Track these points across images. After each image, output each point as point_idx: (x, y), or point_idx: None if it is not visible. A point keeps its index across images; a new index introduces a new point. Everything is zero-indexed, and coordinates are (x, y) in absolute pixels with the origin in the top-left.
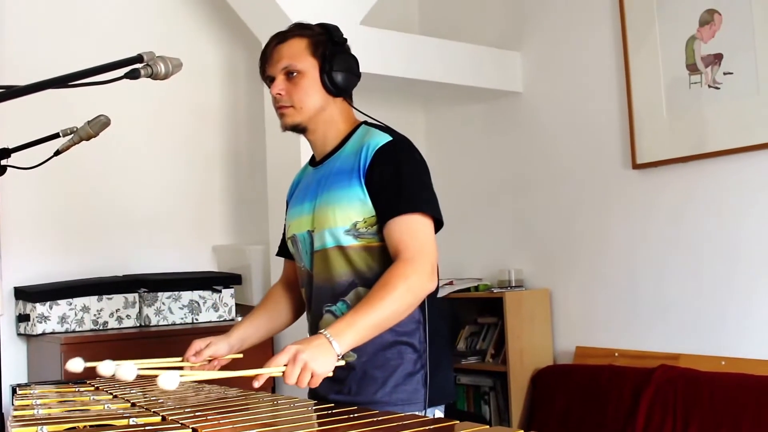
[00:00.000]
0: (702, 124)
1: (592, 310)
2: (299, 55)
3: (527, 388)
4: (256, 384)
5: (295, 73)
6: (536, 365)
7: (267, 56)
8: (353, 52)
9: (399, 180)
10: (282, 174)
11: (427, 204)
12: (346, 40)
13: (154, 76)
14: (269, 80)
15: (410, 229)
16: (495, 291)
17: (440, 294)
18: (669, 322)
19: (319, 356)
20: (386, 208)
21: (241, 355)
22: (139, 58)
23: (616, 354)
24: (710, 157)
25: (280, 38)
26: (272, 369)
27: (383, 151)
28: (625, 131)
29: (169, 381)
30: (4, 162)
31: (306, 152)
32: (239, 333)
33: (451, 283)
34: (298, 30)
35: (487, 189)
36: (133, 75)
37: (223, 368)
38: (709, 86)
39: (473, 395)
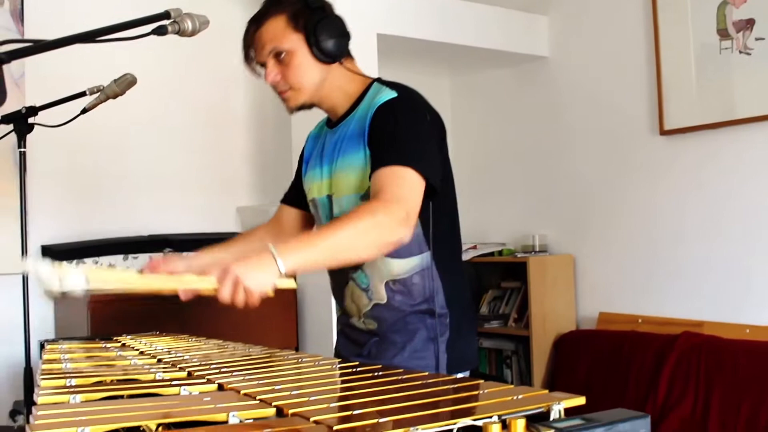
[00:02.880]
0: (731, 90)
1: (616, 276)
2: (282, 35)
3: (549, 353)
4: (182, 296)
5: (283, 54)
6: (559, 330)
7: (250, 44)
8: (372, 14)
9: (393, 133)
10: (306, 134)
11: (420, 161)
12: (323, 0)
13: (181, 32)
14: (260, 67)
15: (396, 177)
16: (519, 256)
17: (463, 258)
18: (693, 290)
19: (254, 272)
20: (376, 160)
21: None
22: (166, 15)
23: (640, 320)
24: (738, 123)
25: (257, 22)
26: (204, 283)
27: (383, 107)
28: (653, 97)
29: (75, 279)
30: (31, 120)
31: None
32: (206, 257)
33: (474, 248)
34: (273, 7)
35: (513, 154)
36: (161, 31)
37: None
38: (740, 52)
39: (495, 359)
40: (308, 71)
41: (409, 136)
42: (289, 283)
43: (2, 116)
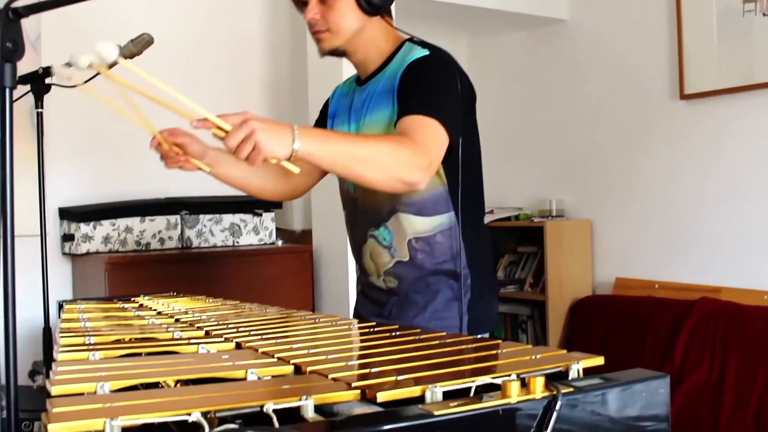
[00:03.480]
0: (754, 53)
1: (634, 241)
2: None
3: (565, 318)
4: (194, 123)
5: None
6: (575, 295)
7: None
8: None
9: (422, 86)
10: (323, 99)
11: (445, 116)
12: None
13: None
14: (301, 4)
15: (423, 125)
16: (535, 220)
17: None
18: (711, 255)
19: (272, 134)
20: (402, 110)
21: (208, 169)
22: None
23: (657, 286)
24: (761, 88)
25: None
26: (219, 121)
27: (415, 64)
28: (674, 60)
29: (107, 49)
30: (48, 80)
31: (348, 76)
32: (217, 152)
33: (491, 212)
34: None
35: (530, 118)
36: None
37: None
38: (764, 14)
39: (511, 324)
40: (349, 17)
41: (437, 91)
42: (293, 168)
43: (19, 77)
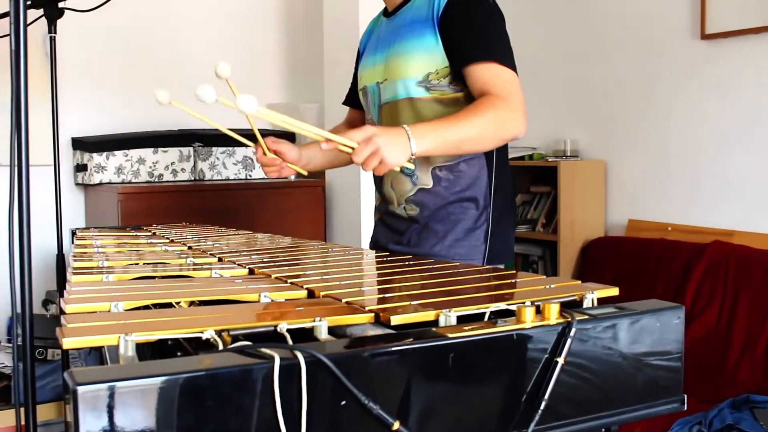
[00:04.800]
0: None
1: (648, 183)
2: None
3: (576, 259)
4: (324, 146)
5: None
6: (587, 236)
7: None
8: None
9: (476, 26)
10: (338, 32)
11: (509, 58)
12: None
13: None
14: None
15: (496, 75)
16: (550, 160)
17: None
18: (725, 199)
19: (394, 145)
20: (463, 54)
21: (306, 172)
22: None
23: (669, 228)
24: None
25: None
26: (346, 140)
27: (456, 1)
28: None
29: (247, 103)
30: (61, 4)
31: (363, 11)
32: (307, 151)
33: None
34: None
35: (546, 55)
36: None
37: None
38: None
39: (522, 263)
40: None
41: (491, 31)
42: (410, 165)
43: (32, 0)
